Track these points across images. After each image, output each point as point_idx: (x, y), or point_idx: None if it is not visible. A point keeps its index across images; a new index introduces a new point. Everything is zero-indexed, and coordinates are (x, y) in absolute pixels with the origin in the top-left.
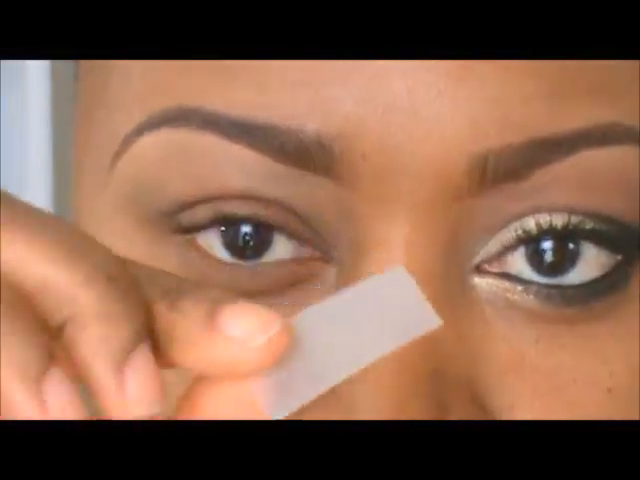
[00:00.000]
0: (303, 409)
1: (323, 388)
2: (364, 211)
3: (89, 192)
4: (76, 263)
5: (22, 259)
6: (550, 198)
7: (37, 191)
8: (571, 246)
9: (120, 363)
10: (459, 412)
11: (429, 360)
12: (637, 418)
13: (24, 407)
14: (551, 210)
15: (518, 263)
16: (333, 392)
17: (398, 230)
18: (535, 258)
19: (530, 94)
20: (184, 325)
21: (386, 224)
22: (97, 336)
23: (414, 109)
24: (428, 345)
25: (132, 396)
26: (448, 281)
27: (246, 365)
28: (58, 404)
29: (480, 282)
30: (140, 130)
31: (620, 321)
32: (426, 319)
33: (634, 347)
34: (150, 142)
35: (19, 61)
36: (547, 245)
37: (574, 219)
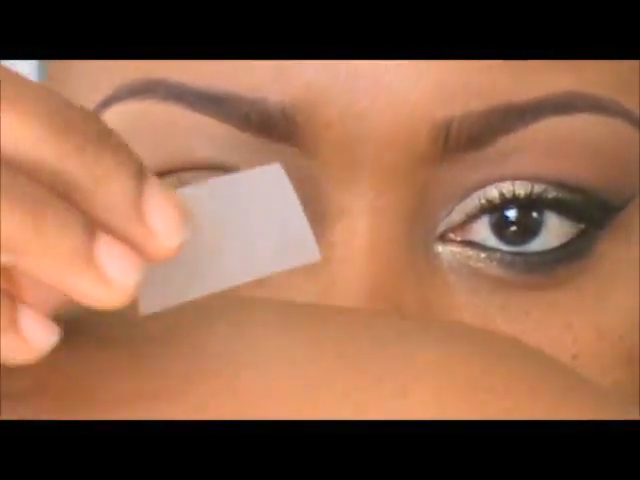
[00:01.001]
0: None
1: (200, 293)
2: (327, 179)
3: None
4: (68, 133)
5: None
6: (513, 166)
7: None
8: (534, 215)
9: (137, 196)
10: None
11: None
12: (603, 383)
13: (88, 287)
14: (514, 178)
15: (482, 231)
16: None
17: (361, 197)
18: (499, 226)
19: (492, 61)
20: (108, 189)
21: (349, 191)
22: (107, 186)
23: (377, 75)
24: (393, 309)
25: (159, 227)
26: (412, 248)
27: (155, 257)
28: (118, 270)
29: (444, 250)
30: (107, 103)
31: (584, 288)
32: (308, 250)
33: (599, 313)
34: (117, 114)
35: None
36: (511, 214)
37: (537, 188)
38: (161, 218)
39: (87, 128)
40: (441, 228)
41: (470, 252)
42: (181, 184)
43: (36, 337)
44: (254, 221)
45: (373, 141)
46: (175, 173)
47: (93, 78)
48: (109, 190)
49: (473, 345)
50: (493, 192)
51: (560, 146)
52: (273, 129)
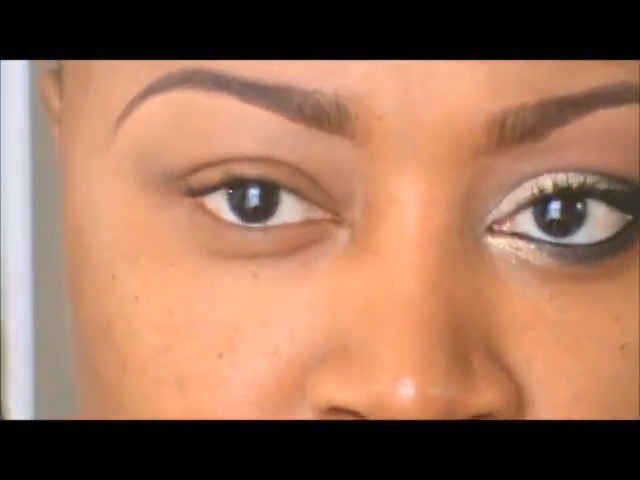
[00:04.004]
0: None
1: None
2: (378, 170)
3: (85, 159)
4: None
5: None
6: (566, 158)
7: (16, 189)
8: (579, 206)
9: None
10: (480, 368)
11: (450, 314)
12: None
13: None
14: (567, 170)
15: (527, 223)
16: (345, 348)
17: (412, 187)
18: (543, 218)
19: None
20: None
21: (400, 181)
22: None
23: (432, 68)
24: (447, 298)
25: None
26: (463, 238)
27: None
28: None
29: (493, 241)
30: (148, 92)
31: (631, 279)
32: None
33: None
34: (160, 103)
35: None
36: (555, 205)
37: (590, 179)
38: None
39: None
40: (490, 219)
41: (519, 243)
42: (225, 175)
43: None
44: None
45: (426, 133)
46: (220, 164)
47: (132, 68)
48: None
49: None
50: (547, 182)
51: (611, 137)
52: (325, 121)
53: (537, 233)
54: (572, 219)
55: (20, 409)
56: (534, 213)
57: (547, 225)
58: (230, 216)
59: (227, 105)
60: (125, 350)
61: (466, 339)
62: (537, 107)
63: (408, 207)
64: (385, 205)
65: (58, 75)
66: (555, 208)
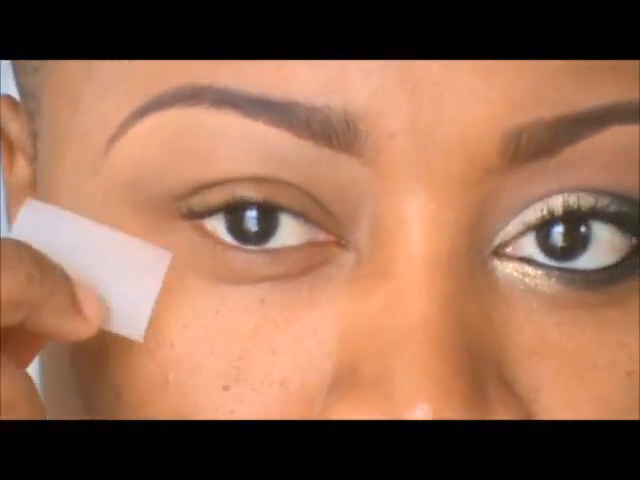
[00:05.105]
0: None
1: None
2: (386, 189)
3: (72, 183)
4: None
5: None
6: (577, 176)
7: None
8: (583, 230)
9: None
10: (495, 393)
11: (462, 336)
12: None
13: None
14: (578, 189)
15: (530, 246)
16: (356, 373)
17: (421, 208)
18: (546, 242)
19: (560, 68)
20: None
21: (408, 202)
22: None
23: (445, 84)
24: (459, 320)
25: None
26: (471, 260)
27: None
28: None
29: (499, 265)
30: (144, 110)
31: (636, 306)
32: (136, 328)
33: None
34: (157, 122)
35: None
36: (560, 229)
37: (601, 201)
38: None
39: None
40: (496, 241)
41: (526, 268)
42: (230, 197)
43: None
44: (111, 278)
45: (438, 153)
46: (222, 185)
47: (123, 86)
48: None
49: None
50: (557, 203)
51: (624, 155)
52: (334, 137)
53: (540, 257)
54: (576, 243)
55: None
56: (537, 237)
57: (550, 249)
58: (228, 238)
59: (231, 122)
60: (120, 382)
61: (479, 363)
62: (552, 123)
63: (416, 228)
64: (393, 225)
65: (15, 102)
66: (559, 232)
